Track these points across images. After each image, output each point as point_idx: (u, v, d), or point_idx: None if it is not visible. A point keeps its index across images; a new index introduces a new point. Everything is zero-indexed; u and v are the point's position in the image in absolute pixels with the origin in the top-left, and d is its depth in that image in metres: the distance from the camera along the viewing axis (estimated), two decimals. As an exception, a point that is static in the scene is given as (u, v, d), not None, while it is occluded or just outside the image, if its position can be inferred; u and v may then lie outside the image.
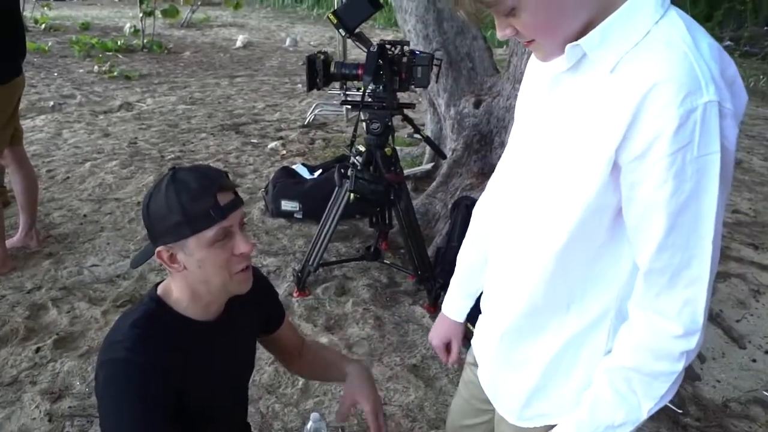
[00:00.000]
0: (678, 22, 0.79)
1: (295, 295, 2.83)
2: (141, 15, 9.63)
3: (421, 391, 2.25)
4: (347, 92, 2.69)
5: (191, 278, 1.13)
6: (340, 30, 2.51)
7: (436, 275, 2.79)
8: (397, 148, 2.91)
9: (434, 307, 2.72)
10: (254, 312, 1.33)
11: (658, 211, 0.78)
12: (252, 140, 5.28)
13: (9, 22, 2.71)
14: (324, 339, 2.53)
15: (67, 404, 2.13)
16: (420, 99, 4.46)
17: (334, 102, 5.82)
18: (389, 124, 2.62)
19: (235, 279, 1.13)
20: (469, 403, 1.29)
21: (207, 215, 1.05)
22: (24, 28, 2.97)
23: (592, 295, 0.93)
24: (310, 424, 1.45)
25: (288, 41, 11.19)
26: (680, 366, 0.84)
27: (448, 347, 1.39)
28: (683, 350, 0.83)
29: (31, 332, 2.51)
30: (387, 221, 3.01)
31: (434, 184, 3.66)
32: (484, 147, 3.55)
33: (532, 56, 0.98)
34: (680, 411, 2.20)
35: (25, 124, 5.13)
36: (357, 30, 2.54)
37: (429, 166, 4.25)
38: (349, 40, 2.75)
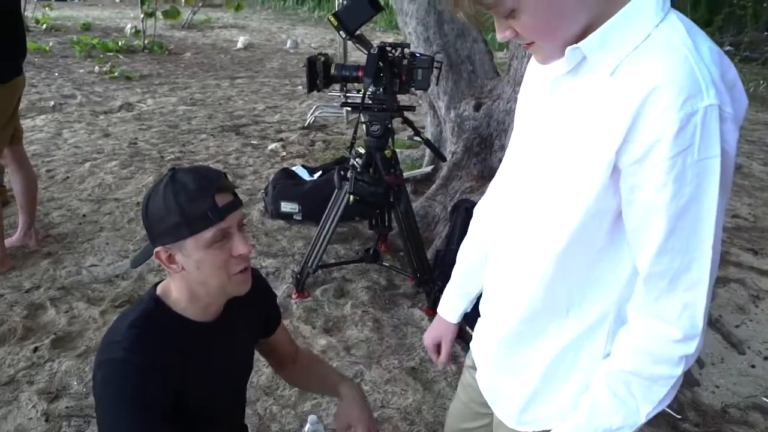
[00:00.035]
0: (678, 25, 0.79)
1: (293, 296, 2.83)
2: (142, 16, 9.65)
3: (420, 394, 2.25)
4: (347, 94, 2.69)
5: (189, 279, 1.13)
6: (341, 32, 2.51)
7: (435, 278, 2.79)
8: (397, 150, 2.91)
9: (433, 310, 2.72)
10: (253, 313, 1.33)
11: (658, 215, 0.78)
12: (252, 141, 5.28)
13: (9, 22, 2.71)
14: (322, 341, 2.52)
15: (64, 404, 2.12)
16: (420, 102, 4.47)
17: (335, 104, 5.82)
18: (389, 126, 2.61)
19: (233, 280, 1.13)
20: (468, 406, 1.28)
21: (205, 216, 1.05)
22: (25, 28, 2.97)
23: (592, 299, 0.93)
24: (307, 426, 1.45)
25: (289, 43, 11.21)
26: (679, 370, 0.84)
27: (440, 348, 1.38)
28: (682, 354, 0.83)
29: (29, 332, 2.51)
30: (386, 223, 3.01)
31: (434, 186, 3.66)
32: (484, 150, 3.55)
33: (532, 59, 0.98)
34: (679, 416, 2.19)
35: (26, 123, 5.13)
36: (357, 32, 2.54)
37: (429, 168, 4.25)
38: (350, 43, 2.75)
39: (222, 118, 6.00)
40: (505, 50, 8.36)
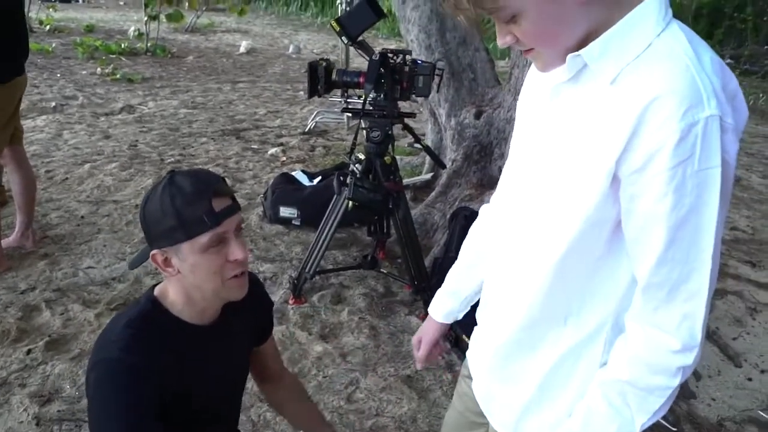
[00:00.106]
0: (680, 35, 0.79)
1: (290, 302, 2.82)
2: (146, 19, 9.68)
3: (415, 402, 2.23)
4: (348, 100, 2.69)
5: (185, 283, 1.12)
6: (343, 38, 2.52)
7: (432, 285, 2.78)
8: (397, 157, 2.91)
9: (430, 318, 2.71)
10: (250, 318, 1.32)
11: (658, 225, 0.78)
12: (252, 146, 5.28)
13: (11, 22, 2.71)
14: (318, 347, 2.51)
15: (56, 408, 2.10)
16: (421, 109, 4.47)
17: (336, 110, 5.82)
18: (389, 132, 2.61)
19: (228, 285, 1.12)
20: (463, 415, 1.27)
21: (201, 221, 1.04)
22: (27, 29, 2.97)
23: (590, 308, 0.92)
24: (300, 434, 1.43)
25: (291, 48, 11.24)
26: (677, 381, 0.84)
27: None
28: (680, 365, 0.82)
29: (23, 333, 2.49)
30: (385, 230, 3.00)
31: (433, 194, 3.65)
32: (484, 158, 3.55)
33: (532, 66, 0.97)
34: (675, 429, 2.18)
35: (26, 124, 5.13)
36: (359, 38, 2.54)
37: (428, 176, 4.25)
38: (352, 49, 2.75)
39: (223, 122, 6.01)
40: (506, 59, 8.38)
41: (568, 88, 0.88)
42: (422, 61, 2.56)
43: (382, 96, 2.54)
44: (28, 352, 2.38)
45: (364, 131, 2.62)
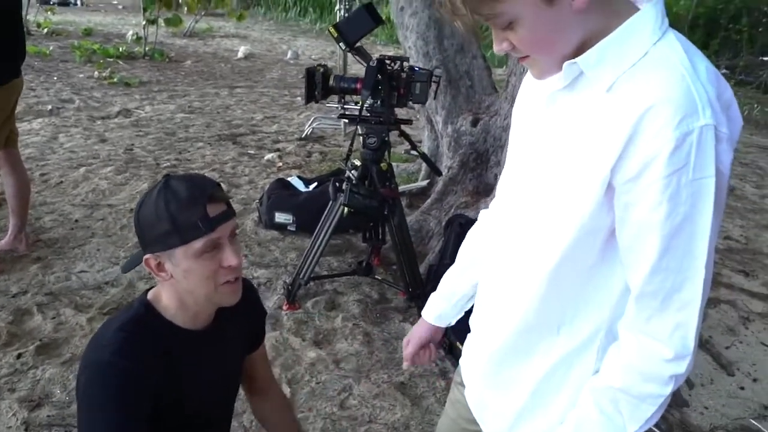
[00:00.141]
0: (676, 44, 0.79)
1: (284, 308, 2.81)
2: (144, 23, 9.69)
3: (408, 409, 2.22)
4: (345, 106, 2.69)
5: (178, 287, 1.12)
6: (341, 44, 2.52)
7: (427, 292, 2.75)
8: (394, 164, 2.91)
9: (425, 325, 2.70)
10: (244, 323, 1.32)
11: (652, 234, 0.78)
12: (249, 151, 5.27)
13: (9, 24, 2.71)
14: (312, 353, 2.50)
15: (46, 413, 2.08)
16: (418, 116, 4.48)
17: (333, 116, 5.83)
18: (386, 139, 2.61)
19: (221, 290, 1.12)
20: (456, 422, 1.26)
21: (195, 226, 1.04)
22: (24, 31, 2.97)
23: (583, 316, 0.92)
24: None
25: (289, 54, 11.26)
26: (668, 389, 0.84)
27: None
28: (673, 374, 0.82)
29: (14, 337, 2.47)
30: (380, 237, 3.00)
31: (429, 201, 3.65)
32: (480, 165, 3.56)
33: (528, 73, 0.98)
34: (669, 438, 2.18)
35: (22, 126, 5.12)
36: (357, 44, 2.55)
37: (424, 182, 4.25)
38: (350, 56, 2.76)
39: (220, 127, 6.00)
40: (504, 67, 8.41)
41: (564, 96, 0.88)
42: (419, 68, 2.56)
43: (379, 102, 2.54)
44: (19, 356, 2.36)
45: (361, 137, 2.62)
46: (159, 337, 1.13)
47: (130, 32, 11.27)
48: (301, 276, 2.79)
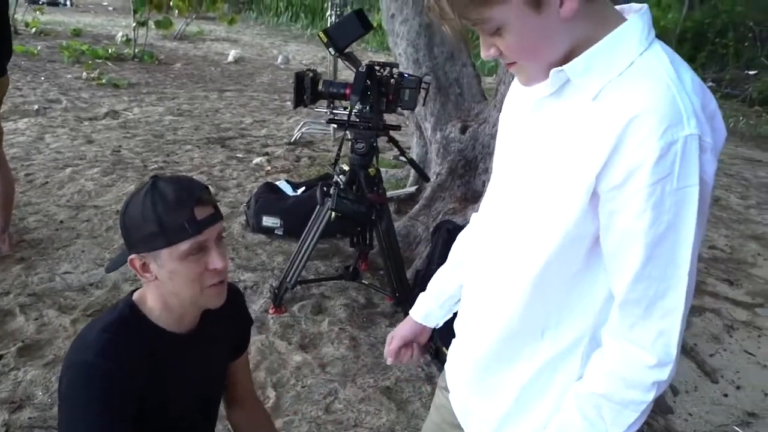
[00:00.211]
0: (662, 55, 0.80)
1: (271, 311, 2.79)
2: (134, 25, 9.64)
3: (393, 414, 2.22)
4: (335, 111, 2.70)
5: (163, 289, 1.12)
6: (330, 49, 2.53)
7: (414, 297, 2.76)
8: (382, 169, 2.92)
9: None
10: (229, 326, 1.31)
11: (636, 241, 0.78)
12: (237, 155, 5.26)
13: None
14: (298, 357, 2.49)
15: (27, 415, 2.06)
16: (407, 122, 4.50)
17: (322, 121, 5.83)
18: (374, 144, 2.62)
19: (207, 293, 1.11)
20: (440, 427, 1.26)
21: (182, 228, 1.04)
22: (11, 30, 2.95)
23: (568, 322, 0.93)
24: (277, 444, 1.42)
25: (280, 59, 11.25)
26: (651, 396, 0.84)
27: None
28: (655, 380, 0.83)
29: (-4, 338, 2.44)
30: (367, 242, 3.00)
31: (417, 207, 3.66)
32: (468, 172, 3.57)
33: (515, 79, 0.98)
34: (652, 445, 2.19)
35: (7, 126, 5.06)
36: (347, 50, 2.55)
37: (413, 188, 4.26)
38: (340, 62, 2.77)
39: (208, 130, 5.98)
40: (494, 76, 8.47)
41: (550, 103, 0.88)
42: (409, 75, 2.57)
43: (367, 108, 2.55)
44: (0, 357, 2.33)
45: (349, 142, 2.62)
46: (143, 339, 1.13)
47: (120, 34, 11.20)
48: (287, 280, 2.79)
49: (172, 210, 1.04)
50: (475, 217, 1.23)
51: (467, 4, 0.77)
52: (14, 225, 3.35)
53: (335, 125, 2.69)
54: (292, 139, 5.84)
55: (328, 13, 6.65)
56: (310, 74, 2.59)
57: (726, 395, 2.55)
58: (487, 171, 3.40)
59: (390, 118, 2.71)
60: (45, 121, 5.65)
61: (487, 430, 1.06)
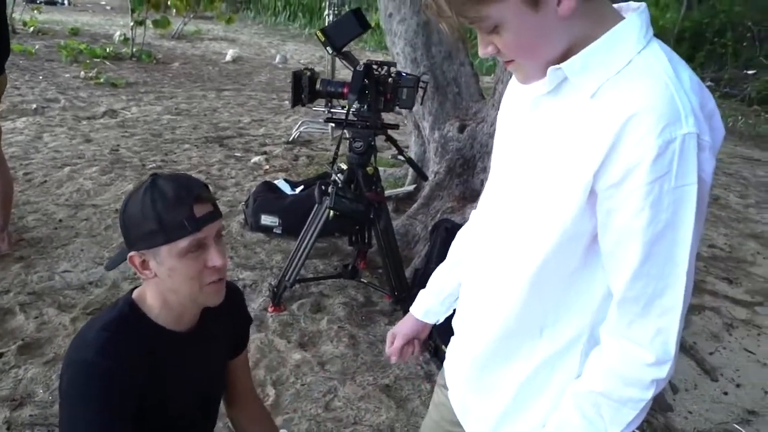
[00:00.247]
0: (660, 53, 0.80)
1: (270, 310, 2.80)
2: (132, 24, 9.62)
3: (393, 411, 2.23)
4: (332, 110, 2.70)
5: (162, 286, 1.12)
6: (328, 48, 2.53)
7: (413, 296, 2.77)
8: (380, 168, 2.92)
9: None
10: (228, 324, 1.32)
11: (634, 240, 0.78)
12: (236, 154, 5.26)
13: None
14: (297, 355, 2.49)
15: (28, 412, 2.06)
16: (405, 121, 4.50)
17: (320, 120, 5.82)
18: (372, 143, 2.62)
19: (205, 291, 1.11)
20: (439, 425, 1.27)
21: (181, 226, 1.04)
22: (8, 29, 2.94)
23: (566, 320, 0.93)
24: (277, 441, 1.42)
25: (278, 58, 11.24)
26: (650, 394, 0.84)
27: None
28: (654, 378, 0.83)
29: (-5, 337, 2.45)
30: (366, 240, 3.00)
31: (415, 205, 3.67)
32: (466, 171, 3.58)
33: (512, 78, 0.98)
34: (650, 443, 2.20)
35: (6, 125, 5.06)
36: (344, 49, 2.55)
37: (411, 187, 4.27)
38: (339, 62, 2.77)
39: (206, 129, 5.98)
40: (492, 75, 8.47)
41: (547, 101, 0.88)
42: (407, 74, 2.58)
43: (365, 107, 2.55)
44: (0, 355, 2.33)
45: (347, 141, 2.62)
46: (143, 337, 1.13)
47: (118, 33, 11.19)
48: (286, 278, 2.79)
49: (172, 207, 1.04)
50: (474, 215, 1.23)
51: (465, 2, 0.77)
52: (13, 224, 3.35)
53: (333, 124, 2.69)
54: (291, 138, 5.84)
55: (326, 12, 6.64)
56: (308, 73, 2.59)
57: (726, 393, 2.55)
58: (486, 170, 3.40)
59: (388, 117, 2.71)
60: (43, 120, 5.65)
61: (485, 427, 1.06)
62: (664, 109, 0.74)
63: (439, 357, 2.46)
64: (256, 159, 5.08)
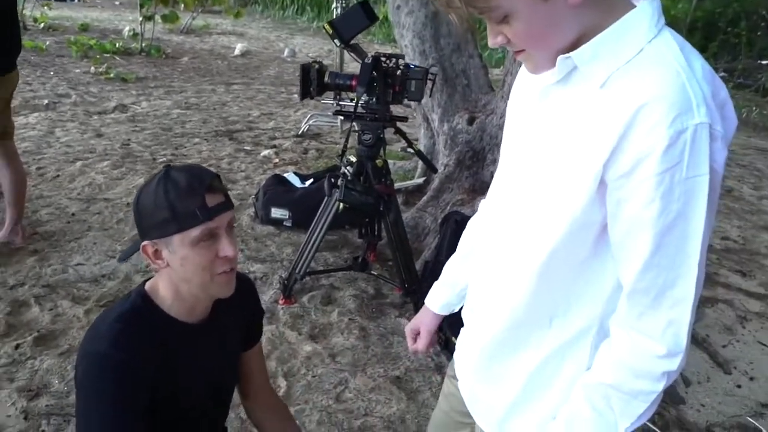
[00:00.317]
0: (672, 42, 0.79)
1: (280, 302, 2.81)
2: (141, 19, 9.65)
3: (404, 403, 2.24)
4: (341, 102, 2.70)
5: (174, 276, 1.13)
6: (336, 40, 2.52)
7: (423, 288, 2.78)
8: (390, 161, 2.91)
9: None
10: (240, 316, 1.32)
11: (645, 231, 0.78)
12: (245, 147, 5.27)
13: (4, 18, 2.71)
14: (308, 347, 2.51)
15: (44, 402, 2.09)
16: (414, 114, 4.49)
17: (329, 113, 5.83)
18: (381, 136, 2.62)
19: (216, 281, 1.12)
20: (449, 415, 1.27)
21: (194, 214, 1.05)
22: (20, 26, 2.97)
23: (576, 310, 0.92)
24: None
25: (287, 52, 11.23)
26: (660, 386, 0.84)
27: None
28: (665, 370, 0.82)
29: (11, 328, 2.48)
30: (376, 233, 3.01)
31: (425, 198, 3.66)
32: (476, 164, 3.57)
33: (522, 68, 0.98)
34: (662, 434, 2.19)
35: (18, 121, 5.11)
36: (352, 41, 2.55)
37: (420, 180, 4.26)
38: (347, 55, 2.76)
39: (216, 123, 6.00)
40: (501, 67, 8.43)
41: (557, 90, 0.88)
42: (415, 66, 2.56)
43: (374, 99, 2.54)
44: (17, 346, 2.36)
45: (356, 134, 2.63)
46: (155, 329, 1.14)
47: (127, 28, 11.22)
48: (297, 271, 2.80)
49: (184, 197, 1.05)
50: (483, 204, 1.23)
51: None
52: (27, 218, 3.39)
53: (342, 117, 2.69)
54: (300, 132, 5.85)
55: (334, 5, 6.60)
56: (316, 66, 2.59)
57: (739, 386, 2.54)
58: (495, 162, 3.39)
59: (397, 110, 2.70)
60: (55, 115, 5.69)
61: (494, 417, 1.06)
62: (676, 99, 0.73)
63: (449, 349, 2.47)
64: (265, 152, 5.10)
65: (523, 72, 1.01)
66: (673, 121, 0.72)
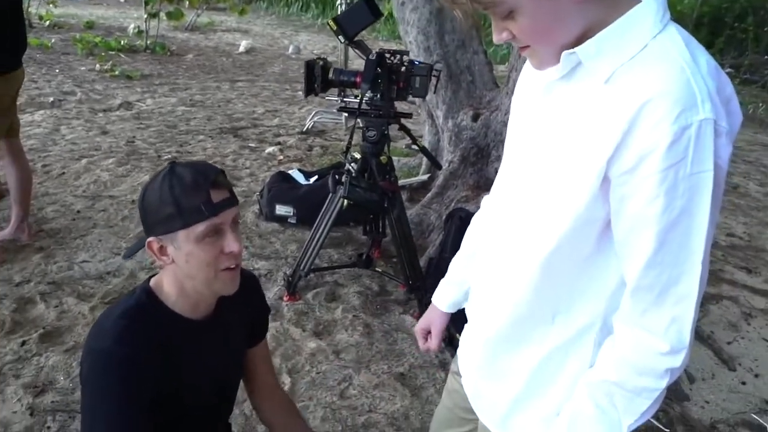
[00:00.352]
0: (677, 37, 0.78)
1: (285, 299, 2.82)
2: (146, 16, 9.67)
3: (408, 399, 2.24)
4: (345, 99, 2.69)
5: (179, 272, 1.13)
6: (340, 36, 2.52)
7: (427, 285, 2.78)
8: (395, 158, 2.91)
9: (424, 318, 2.71)
10: (244, 312, 1.32)
11: (648, 227, 0.77)
12: (250, 144, 5.28)
13: (13, 17, 2.72)
14: (312, 344, 2.51)
15: (50, 399, 2.11)
16: (419, 110, 4.48)
17: (334, 110, 5.82)
18: (385, 132, 2.62)
19: (221, 277, 1.12)
20: (452, 411, 1.27)
21: (198, 210, 1.05)
22: (25, 23, 2.98)
23: (579, 306, 0.92)
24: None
25: (291, 48, 11.23)
26: (664, 383, 0.83)
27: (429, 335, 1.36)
28: (668, 367, 0.82)
29: (17, 325, 2.49)
30: (380, 229, 3.01)
31: (429, 194, 3.66)
32: (480, 160, 3.56)
33: (526, 64, 0.98)
34: (667, 431, 2.19)
35: (24, 118, 5.13)
36: (357, 38, 2.54)
37: (425, 176, 4.26)
38: (352, 52, 2.76)
39: (221, 120, 6.01)
40: (506, 63, 8.40)
41: (561, 86, 0.87)
42: (419, 62, 2.56)
43: (378, 96, 2.54)
44: (23, 343, 2.38)
45: (361, 131, 2.63)
46: (160, 325, 1.14)
47: (132, 26, 11.24)
48: (301, 267, 2.81)
49: (189, 192, 1.05)
50: (486, 200, 1.23)
51: None
52: (33, 215, 3.41)
53: (346, 114, 2.68)
54: (304, 129, 5.85)
55: (339, 2, 6.60)
56: (320, 63, 2.59)
57: (744, 383, 2.53)
58: (500, 159, 3.37)
59: (402, 106, 2.70)
60: (60, 112, 5.71)
61: (497, 413, 1.06)
62: (680, 94, 0.72)
63: (453, 345, 2.46)
64: (270, 149, 5.10)
65: (527, 68, 1.01)
66: (678, 117, 0.71)
